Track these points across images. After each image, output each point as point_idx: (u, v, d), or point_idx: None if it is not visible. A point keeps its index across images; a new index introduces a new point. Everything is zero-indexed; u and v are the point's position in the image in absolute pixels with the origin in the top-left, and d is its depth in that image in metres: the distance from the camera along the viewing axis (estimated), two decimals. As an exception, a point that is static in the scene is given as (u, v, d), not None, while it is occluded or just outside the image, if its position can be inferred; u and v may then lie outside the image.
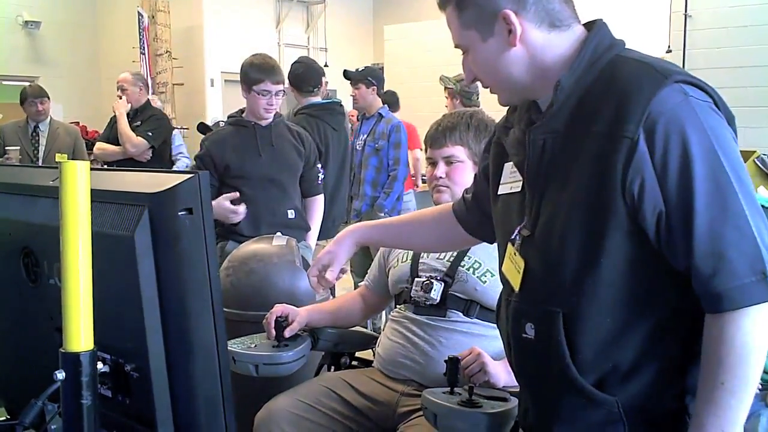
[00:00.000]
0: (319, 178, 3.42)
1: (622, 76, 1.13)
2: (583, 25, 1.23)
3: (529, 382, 1.29)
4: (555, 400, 1.21)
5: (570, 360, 1.16)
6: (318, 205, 3.43)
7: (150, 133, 4.70)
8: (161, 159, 4.80)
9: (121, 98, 4.75)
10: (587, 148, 1.12)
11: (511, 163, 1.30)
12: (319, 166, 3.45)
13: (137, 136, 4.63)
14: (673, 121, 1.07)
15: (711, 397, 1.06)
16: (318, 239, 3.65)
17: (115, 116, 4.75)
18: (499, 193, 1.35)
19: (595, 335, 1.14)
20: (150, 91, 7.96)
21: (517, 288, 1.24)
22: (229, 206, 2.99)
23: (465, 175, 2.05)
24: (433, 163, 2.08)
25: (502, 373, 1.71)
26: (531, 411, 1.29)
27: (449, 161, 2.05)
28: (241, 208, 3.02)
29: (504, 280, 1.31)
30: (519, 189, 1.27)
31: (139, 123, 4.70)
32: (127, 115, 4.73)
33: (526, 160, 1.22)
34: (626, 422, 1.15)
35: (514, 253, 1.25)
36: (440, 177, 2.05)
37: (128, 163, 4.66)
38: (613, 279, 1.12)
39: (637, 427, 1.15)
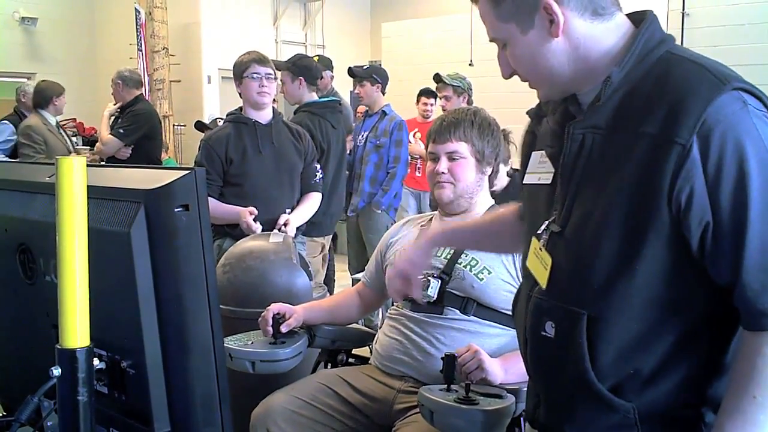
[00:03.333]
0: (317, 176, 3.41)
1: (676, 77, 1.08)
2: (627, 15, 1.17)
3: (543, 379, 1.26)
4: (568, 400, 1.18)
5: (589, 364, 1.12)
6: (312, 198, 3.33)
7: (121, 130, 4.66)
8: (147, 156, 4.73)
9: (113, 95, 4.77)
10: (633, 149, 1.07)
11: (541, 152, 1.26)
12: (318, 165, 3.44)
13: (109, 134, 4.61)
14: (730, 130, 1.01)
15: (740, 409, 1.04)
16: (315, 236, 3.66)
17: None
18: (525, 182, 1.31)
19: (619, 341, 1.11)
20: (146, 88, 7.97)
21: (544, 285, 1.20)
22: (252, 225, 2.94)
23: (467, 172, 2.05)
24: (435, 158, 2.07)
25: (499, 371, 1.71)
26: (542, 407, 1.27)
27: (452, 157, 2.04)
28: (257, 226, 2.96)
29: (527, 274, 1.27)
30: (548, 181, 1.22)
31: (120, 120, 4.69)
32: (119, 112, 4.74)
33: (563, 154, 1.17)
34: (640, 429, 1.12)
35: (540, 248, 1.20)
36: (443, 172, 2.04)
37: (131, 160, 4.66)
38: (645, 286, 1.08)
39: None
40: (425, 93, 5.77)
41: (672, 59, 1.11)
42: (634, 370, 1.11)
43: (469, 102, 4.69)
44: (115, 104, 4.86)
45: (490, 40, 1.22)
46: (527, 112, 1.33)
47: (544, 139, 1.26)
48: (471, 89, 4.85)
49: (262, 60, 3.15)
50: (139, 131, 4.79)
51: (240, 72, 3.14)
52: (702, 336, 1.10)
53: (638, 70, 1.11)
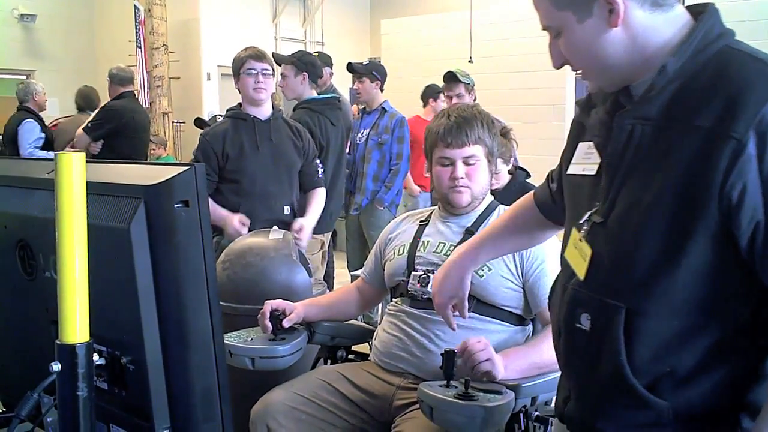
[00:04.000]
0: (319, 173, 3.41)
1: (734, 71, 1.05)
2: (687, 7, 1.14)
3: (576, 373, 1.24)
4: (601, 395, 1.16)
5: (625, 358, 1.10)
6: (318, 195, 3.40)
7: (89, 125, 4.70)
8: (117, 154, 4.70)
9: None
10: (685, 142, 1.04)
11: (588, 143, 1.24)
12: (318, 162, 3.44)
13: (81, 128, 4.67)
14: None
15: None
16: (315, 233, 3.65)
17: None
18: (568, 172, 1.29)
19: (657, 336, 1.09)
20: (146, 85, 7.96)
21: (582, 276, 1.17)
22: (238, 227, 2.96)
23: (482, 174, 2.05)
24: (449, 163, 2.03)
25: (501, 367, 1.71)
26: (573, 402, 1.25)
27: (468, 162, 2.02)
28: (245, 230, 2.98)
29: (564, 265, 1.25)
30: (593, 172, 1.20)
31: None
32: None
33: (610, 144, 1.15)
34: (675, 427, 1.10)
35: (580, 239, 1.18)
36: (461, 178, 2.02)
37: (101, 156, 4.69)
38: (688, 282, 1.05)
39: None
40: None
41: (731, 53, 1.09)
42: (670, 369, 1.09)
43: (474, 99, 4.68)
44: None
45: (543, 29, 1.19)
46: (576, 102, 1.31)
47: (593, 129, 1.23)
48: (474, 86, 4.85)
49: (258, 56, 3.15)
50: (103, 128, 4.81)
51: (237, 68, 3.15)
52: (743, 339, 1.07)
53: (694, 63, 1.08)
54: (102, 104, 4.87)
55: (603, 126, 1.19)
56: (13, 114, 5.71)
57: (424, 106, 5.72)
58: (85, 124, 4.68)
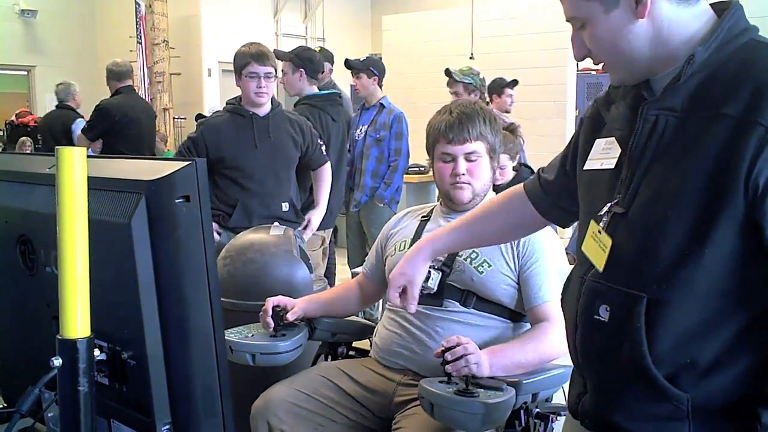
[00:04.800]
0: (323, 151, 3.47)
1: (762, 63, 1.06)
2: (711, 4, 1.15)
3: (593, 366, 1.23)
4: (619, 388, 1.16)
5: (646, 348, 1.09)
6: (325, 175, 3.48)
7: (86, 125, 4.73)
8: (112, 152, 4.71)
9: None
10: (712, 131, 1.04)
11: (606, 139, 1.24)
12: (320, 141, 3.47)
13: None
14: None
15: None
16: (316, 229, 3.65)
17: None
18: (585, 168, 1.28)
19: (678, 327, 1.08)
20: (146, 81, 7.96)
21: (601, 268, 1.16)
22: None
23: (484, 171, 2.04)
24: (452, 159, 2.03)
25: (487, 368, 1.70)
26: (589, 397, 1.24)
27: (470, 158, 2.02)
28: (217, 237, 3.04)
29: (582, 259, 1.24)
30: (612, 166, 1.20)
31: None
32: None
33: (634, 135, 1.14)
34: (691, 421, 1.10)
35: (599, 231, 1.18)
36: (463, 174, 2.02)
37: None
38: (712, 270, 1.05)
39: (702, 428, 1.11)
40: (510, 84, 5.53)
41: (757, 46, 1.10)
42: (690, 360, 1.09)
43: (482, 99, 4.56)
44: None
45: (567, 20, 1.18)
46: (595, 99, 1.29)
47: (614, 124, 1.22)
48: (485, 85, 4.70)
49: (261, 57, 3.10)
50: (98, 127, 4.81)
51: (239, 67, 3.13)
52: (765, 331, 1.07)
53: (720, 55, 1.09)
54: (98, 102, 4.87)
55: (625, 120, 1.18)
56: (53, 112, 6.13)
57: (489, 103, 5.46)
58: (83, 126, 4.70)
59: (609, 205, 1.17)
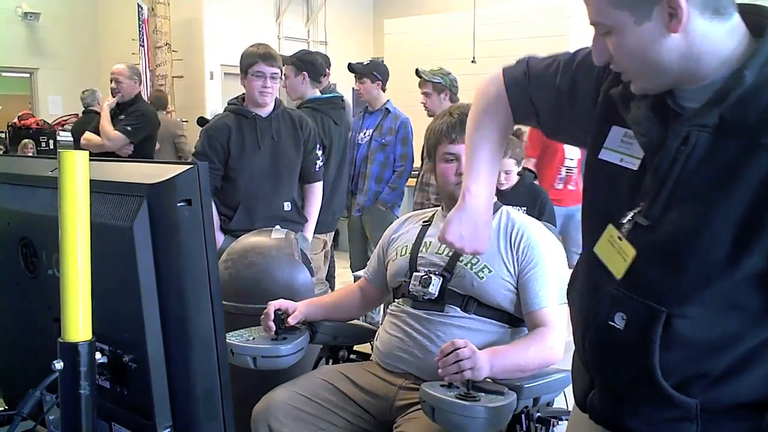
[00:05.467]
0: (317, 165, 3.41)
1: None
2: (741, 15, 1.11)
3: (602, 370, 1.22)
4: (629, 393, 1.16)
5: (657, 361, 1.09)
6: (316, 192, 3.42)
7: (129, 128, 4.64)
8: (144, 156, 4.71)
9: (114, 90, 4.71)
10: (752, 160, 1.02)
11: (625, 130, 1.19)
12: (319, 153, 3.44)
13: (115, 129, 4.59)
14: None
15: None
16: (318, 233, 3.66)
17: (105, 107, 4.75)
18: (601, 157, 1.22)
19: (694, 341, 1.08)
20: (149, 84, 7.97)
21: (620, 276, 1.15)
22: None
23: None
24: (453, 159, 2.03)
25: (486, 367, 1.69)
26: (597, 395, 1.24)
27: None
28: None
29: (593, 261, 1.21)
30: (635, 167, 1.15)
31: (122, 116, 4.66)
32: (116, 107, 4.70)
33: (662, 150, 1.10)
34: (699, 422, 1.10)
35: (619, 238, 1.15)
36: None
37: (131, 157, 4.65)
38: (737, 291, 1.05)
39: (710, 427, 1.11)
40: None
41: None
42: (704, 371, 1.09)
43: (453, 99, 4.55)
44: (115, 99, 4.83)
45: (591, 23, 1.13)
46: (611, 92, 1.23)
47: (637, 127, 1.16)
48: (455, 86, 4.69)
49: (269, 57, 3.12)
50: (145, 131, 4.79)
51: (246, 66, 3.13)
52: None
53: (761, 77, 1.05)
54: (135, 105, 4.84)
55: (650, 125, 1.14)
56: (81, 118, 6.68)
57: None
58: (121, 126, 4.64)
59: (632, 213, 1.14)
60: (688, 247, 1.07)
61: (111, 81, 4.71)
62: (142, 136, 4.75)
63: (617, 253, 1.16)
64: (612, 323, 1.16)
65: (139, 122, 4.74)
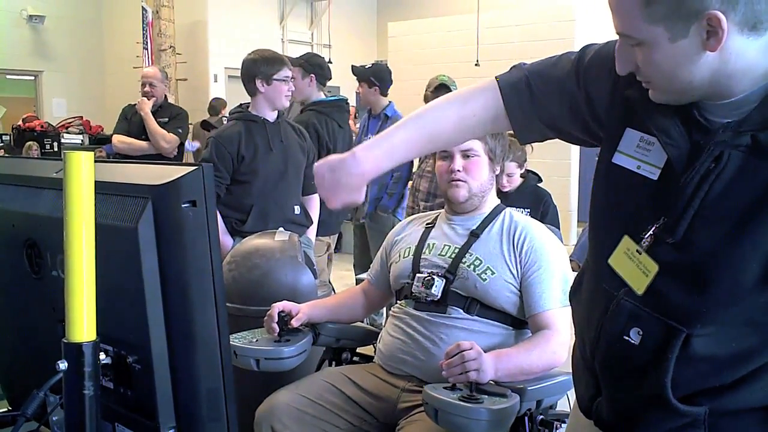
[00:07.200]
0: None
1: None
2: None
3: (611, 381, 1.20)
4: (636, 405, 1.15)
5: (670, 379, 1.07)
6: (316, 202, 3.46)
7: (180, 130, 4.74)
8: (178, 156, 4.83)
9: (149, 93, 4.72)
10: None
11: (641, 134, 1.14)
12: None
13: (170, 132, 4.66)
14: None
15: None
16: (320, 235, 3.66)
17: (126, 109, 4.73)
18: (615, 162, 1.17)
19: (710, 359, 1.07)
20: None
21: (641, 292, 1.11)
22: None
23: (482, 170, 2.04)
24: (447, 156, 2.05)
25: (491, 372, 1.69)
26: (604, 404, 1.22)
27: (467, 155, 2.02)
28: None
29: (607, 272, 1.16)
30: (654, 177, 1.11)
31: (166, 119, 4.69)
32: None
33: (693, 168, 1.05)
34: (707, 427, 1.09)
35: (638, 251, 1.11)
36: (458, 170, 2.02)
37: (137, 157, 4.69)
38: (760, 311, 1.04)
39: (717, 430, 1.10)
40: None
41: None
42: (716, 385, 1.08)
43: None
44: (150, 102, 4.83)
45: (619, 33, 1.08)
46: (626, 93, 1.17)
47: (662, 136, 1.10)
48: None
49: (287, 62, 3.20)
50: (187, 132, 4.95)
51: (269, 72, 3.12)
52: None
53: None
54: (172, 108, 4.94)
55: (680, 136, 1.08)
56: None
57: None
58: (174, 129, 4.72)
59: (653, 227, 1.09)
60: (716, 268, 1.04)
61: (144, 85, 4.71)
62: (186, 137, 4.87)
63: (636, 268, 1.12)
64: (627, 338, 1.13)
65: (184, 124, 4.85)
